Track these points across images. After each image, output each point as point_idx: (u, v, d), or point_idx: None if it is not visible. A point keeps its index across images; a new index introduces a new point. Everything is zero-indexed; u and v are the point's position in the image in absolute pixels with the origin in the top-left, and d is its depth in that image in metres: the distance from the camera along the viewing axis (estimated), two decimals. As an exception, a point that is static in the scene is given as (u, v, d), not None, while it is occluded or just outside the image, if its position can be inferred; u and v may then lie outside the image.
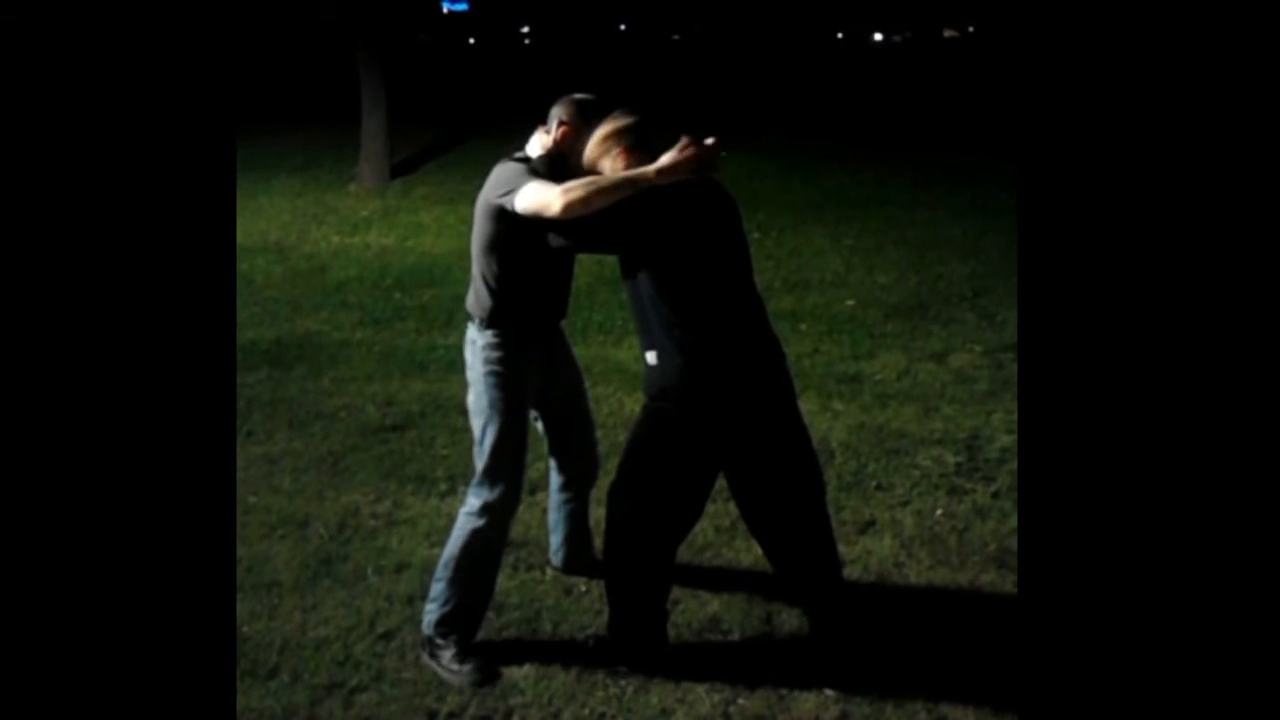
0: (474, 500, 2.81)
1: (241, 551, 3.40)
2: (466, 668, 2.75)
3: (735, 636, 2.94)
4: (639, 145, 2.64)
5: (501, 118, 11.08)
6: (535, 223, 2.62)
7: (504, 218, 2.69)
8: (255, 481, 3.92)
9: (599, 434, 3.26)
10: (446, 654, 2.78)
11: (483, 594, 2.85)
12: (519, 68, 20.97)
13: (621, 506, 2.73)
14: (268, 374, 5.05)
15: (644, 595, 2.79)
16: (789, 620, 2.99)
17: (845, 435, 4.25)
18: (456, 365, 5.29)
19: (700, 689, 2.69)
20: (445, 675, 2.76)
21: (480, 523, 2.78)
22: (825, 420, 4.40)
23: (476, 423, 2.83)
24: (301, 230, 8.43)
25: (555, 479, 3.15)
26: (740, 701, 2.65)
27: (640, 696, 2.67)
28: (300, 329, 5.81)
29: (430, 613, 2.82)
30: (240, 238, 7.86)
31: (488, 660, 2.80)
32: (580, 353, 3.20)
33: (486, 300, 2.80)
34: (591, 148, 2.69)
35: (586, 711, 2.63)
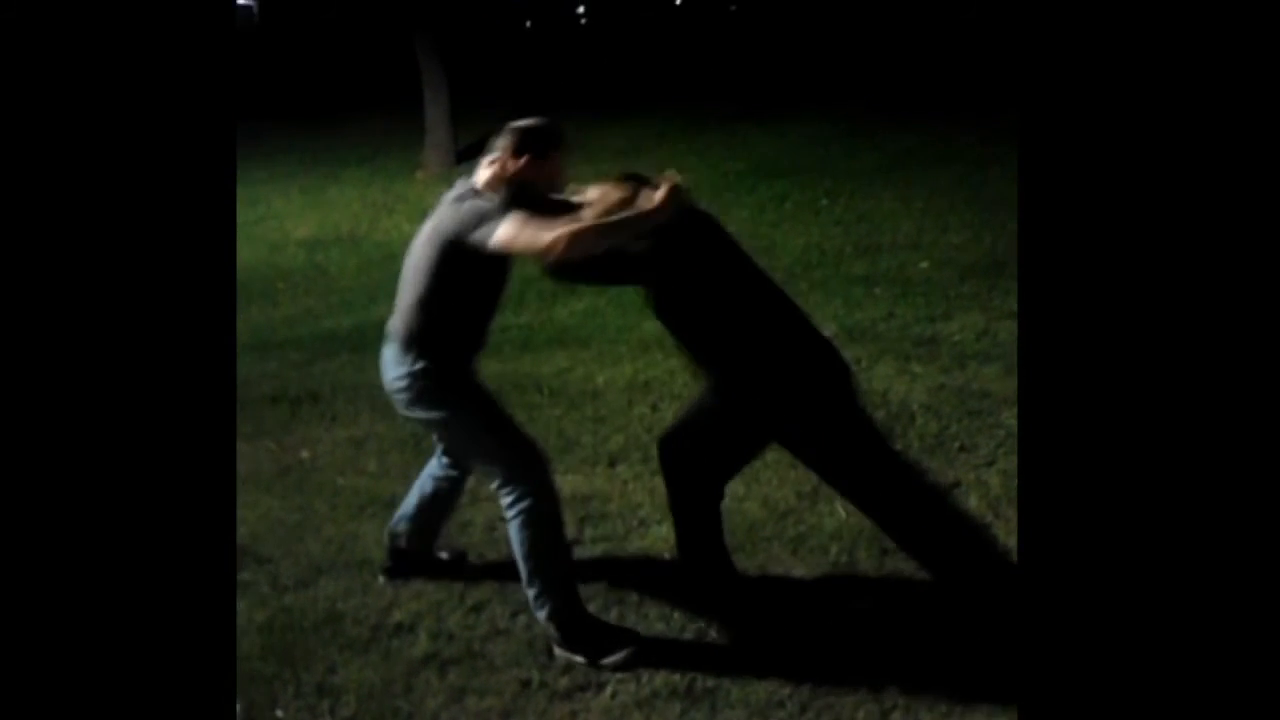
0: (514, 500, 2.73)
1: (332, 531, 3.49)
2: (617, 657, 2.69)
3: (821, 608, 2.93)
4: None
5: (562, 99, 11.09)
6: (502, 256, 2.63)
7: (467, 255, 2.64)
8: (342, 464, 4.01)
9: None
10: (581, 647, 2.72)
11: (566, 569, 2.79)
12: (577, 48, 20.97)
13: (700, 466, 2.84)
14: (348, 359, 5.16)
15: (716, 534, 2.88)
16: (878, 587, 2.97)
17: (925, 397, 4.19)
18: (529, 344, 5.35)
19: (791, 659, 2.71)
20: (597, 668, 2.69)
21: (531, 510, 2.71)
22: (904, 382, 4.34)
23: (472, 448, 2.82)
24: (372, 220, 8.57)
25: (437, 465, 3.09)
26: (834, 684, 2.63)
27: (735, 667, 2.68)
28: (376, 316, 5.89)
29: (538, 611, 2.76)
30: (314, 230, 8.02)
31: (619, 635, 2.75)
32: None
33: (422, 332, 2.75)
34: (598, 207, 2.71)
35: (678, 677, 2.64)
